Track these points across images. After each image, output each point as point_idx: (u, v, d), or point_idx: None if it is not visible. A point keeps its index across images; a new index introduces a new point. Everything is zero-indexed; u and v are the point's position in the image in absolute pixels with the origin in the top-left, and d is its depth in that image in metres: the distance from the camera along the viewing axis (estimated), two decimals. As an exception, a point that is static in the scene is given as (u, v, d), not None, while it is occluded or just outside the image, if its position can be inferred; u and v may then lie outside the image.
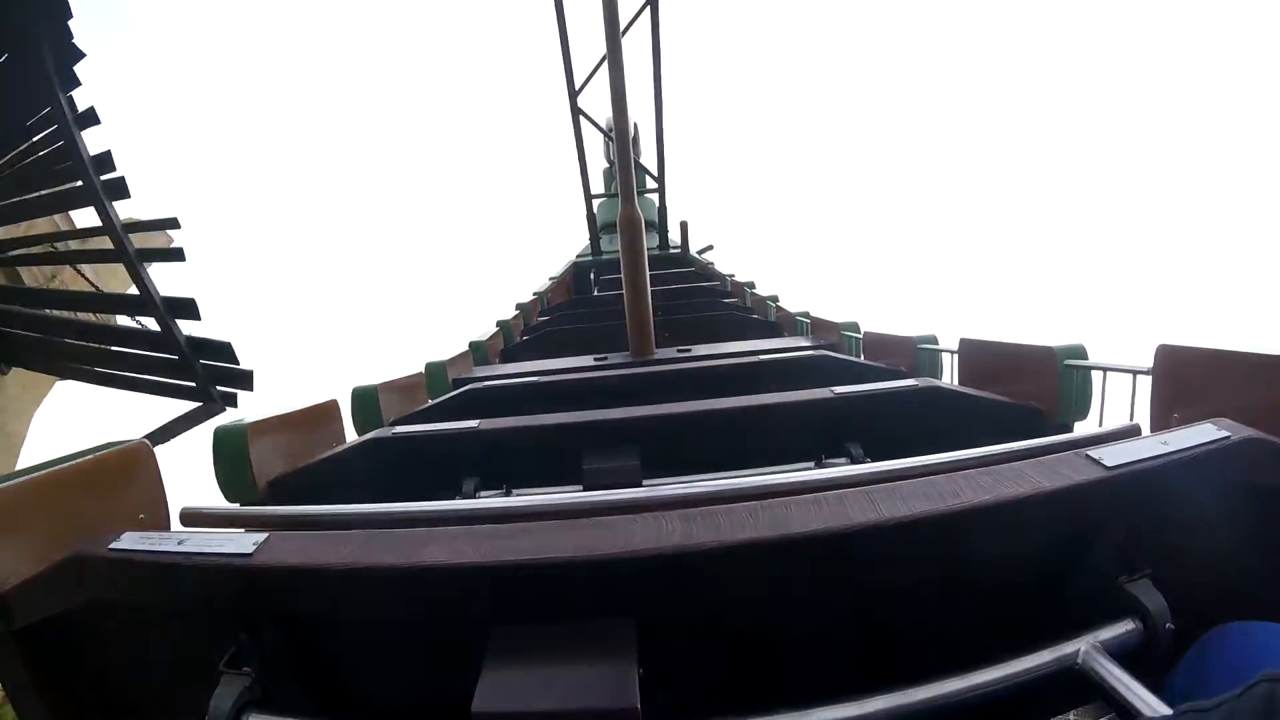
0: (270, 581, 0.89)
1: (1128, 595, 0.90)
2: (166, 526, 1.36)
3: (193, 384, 5.97)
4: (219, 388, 6.03)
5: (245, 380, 6.05)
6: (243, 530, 1.30)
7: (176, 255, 5.81)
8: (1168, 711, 0.75)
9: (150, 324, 5.76)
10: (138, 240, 5.56)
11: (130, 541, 0.97)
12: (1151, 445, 0.97)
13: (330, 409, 2.21)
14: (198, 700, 0.89)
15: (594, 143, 10.96)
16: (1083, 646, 0.86)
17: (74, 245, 6.41)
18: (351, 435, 2.28)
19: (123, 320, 6.34)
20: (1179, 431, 1.00)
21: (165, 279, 5.69)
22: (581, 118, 9.24)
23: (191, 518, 1.46)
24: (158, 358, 5.91)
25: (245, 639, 0.92)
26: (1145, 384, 1.53)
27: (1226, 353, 1.38)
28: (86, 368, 6.25)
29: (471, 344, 4.12)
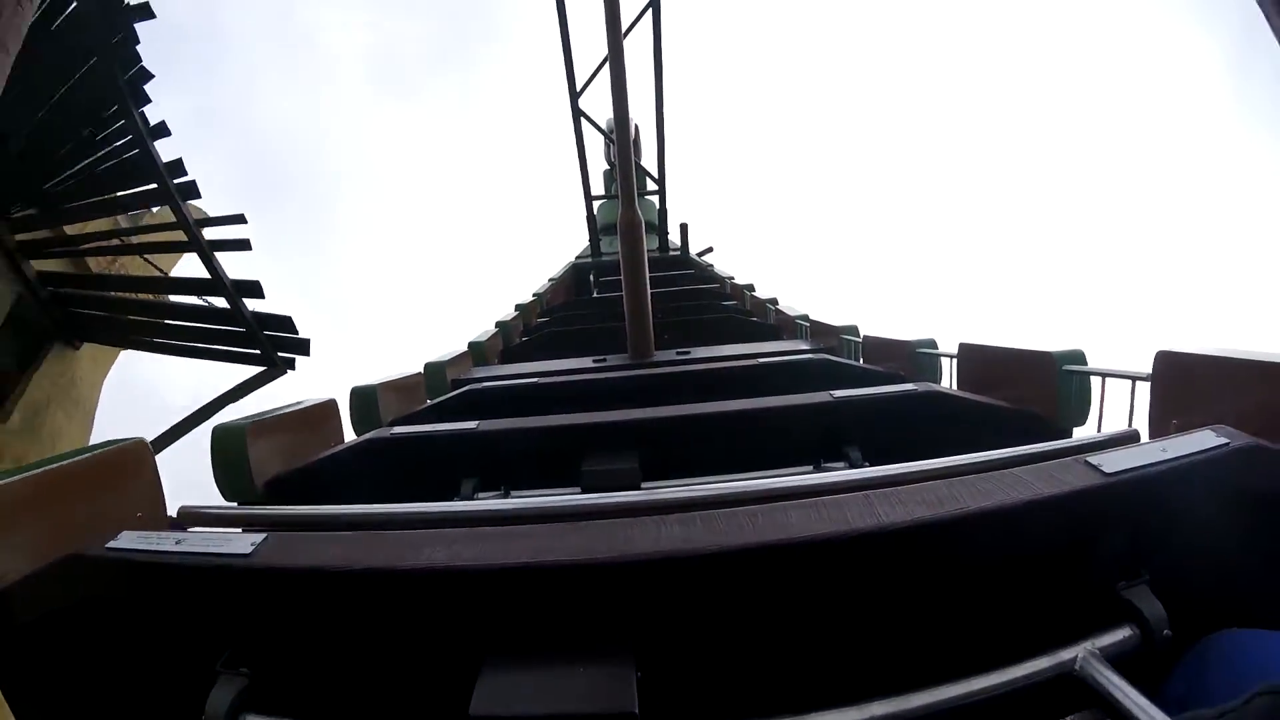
0: (268, 582, 0.88)
1: (1125, 602, 0.90)
2: (164, 525, 1.36)
3: (258, 352, 7.16)
4: (281, 354, 7.24)
5: (303, 347, 7.27)
6: (240, 530, 1.29)
7: (244, 245, 6.78)
8: (1164, 718, 0.75)
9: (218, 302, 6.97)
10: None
11: (128, 541, 0.97)
12: (1151, 452, 0.97)
13: (329, 409, 2.21)
14: (195, 700, 0.88)
15: (595, 144, 10.98)
16: (1080, 653, 0.86)
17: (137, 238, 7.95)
18: (350, 435, 2.27)
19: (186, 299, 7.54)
20: (1178, 439, 1.00)
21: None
22: (582, 119, 9.25)
23: (189, 517, 1.45)
24: (227, 331, 7.12)
25: (242, 640, 0.92)
26: (1144, 389, 1.53)
27: (1225, 358, 1.38)
28: (162, 340, 7.70)
29: (471, 345, 4.12)
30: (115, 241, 7.69)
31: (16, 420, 7.81)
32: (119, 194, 6.73)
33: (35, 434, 7.93)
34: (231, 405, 7.57)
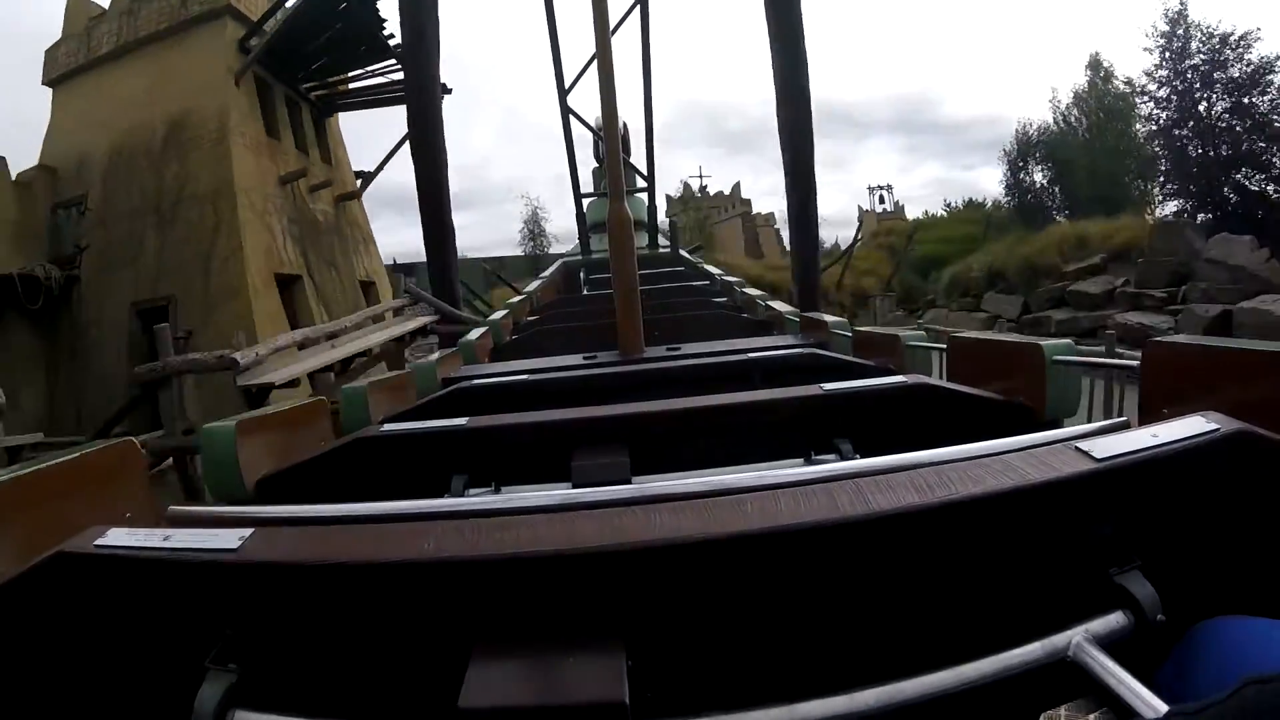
0: (255, 577, 0.88)
1: (1118, 587, 0.90)
2: (152, 525, 1.35)
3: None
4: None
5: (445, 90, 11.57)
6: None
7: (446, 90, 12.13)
8: (1158, 703, 0.75)
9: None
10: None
11: (116, 538, 0.96)
12: (1141, 438, 0.97)
13: (318, 408, 2.20)
14: (184, 697, 0.88)
15: (583, 142, 11.01)
16: (1073, 638, 0.86)
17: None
18: (340, 434, 2.27)
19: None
20: (1168, 424, 1.01)
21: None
22: (571, 117, 9.25)
23: (178, 518, 1.44)
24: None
25: (231, 635, 0.92)
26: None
27: (1214, 347, 1.38)
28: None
29: (460, 343, 4.11)
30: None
31: (333, 160, 16.72)
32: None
33: (339, 162, 17.24)
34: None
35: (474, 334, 4.33)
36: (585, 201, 10.15)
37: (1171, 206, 19.62)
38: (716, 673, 0.95)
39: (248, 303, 11.59)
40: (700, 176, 48.07)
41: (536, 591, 0.84)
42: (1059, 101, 25.89)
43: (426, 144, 10.53)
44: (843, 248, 29.66)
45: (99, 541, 0.96)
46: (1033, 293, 17.40)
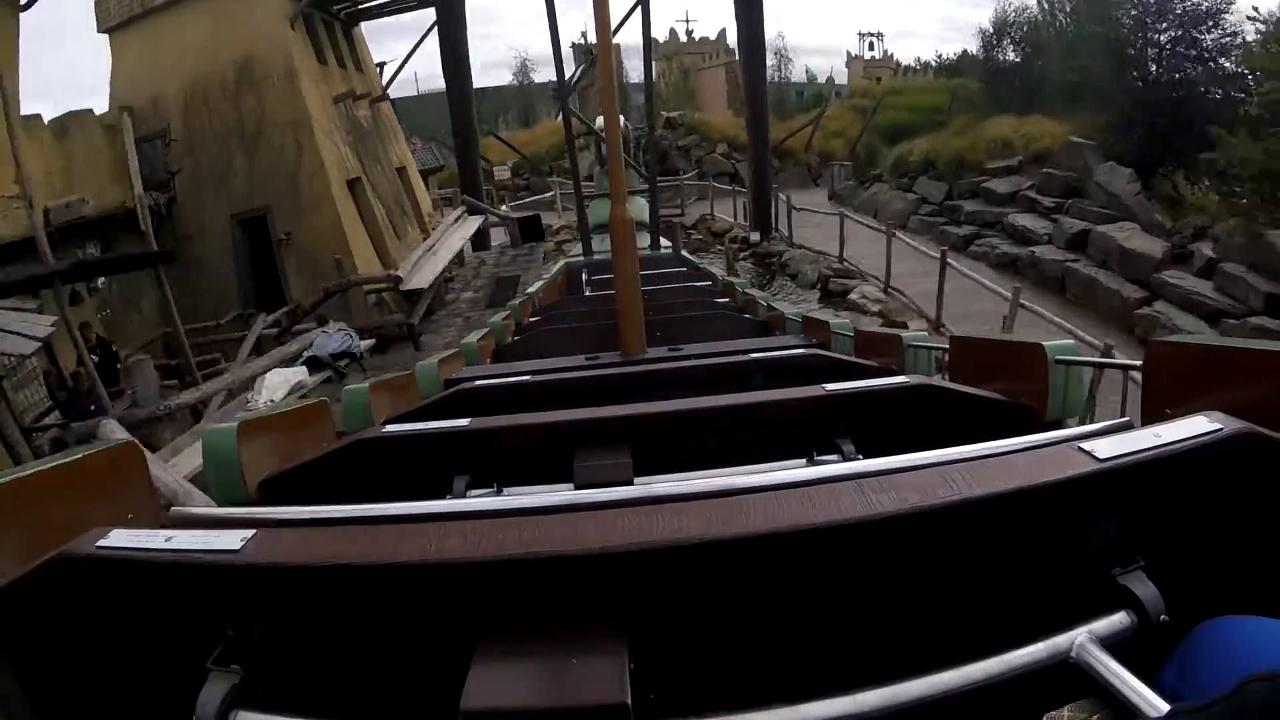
0: (257, 578, 0.88)
1: (1121, 587, 0.90)
2: (154, 526, 1.35)
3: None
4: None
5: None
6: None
7: None
8: (1161, 703, 0.75)
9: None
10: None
11: (118, 539, 0.96)
12: (1144, 438, 0.97)
13: (320, 410, 2.20)
14: (186, 698, 0.88)
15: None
16: (1077, 639, 0.86)
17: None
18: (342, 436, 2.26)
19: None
20: (1172, 424, 1.00)
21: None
22: (572, 117, 9.26)
23: (180, 520, 1.44)
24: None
25: (233, 636, 0.92)
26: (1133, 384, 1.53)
27: (1217, 347, 1.38)
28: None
29: (463, 344, 4.11)
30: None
31: (364, 71, 18.88)
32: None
33: (368, 67, 19.00)
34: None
35: (475, 335, 4.33)
36: (587, 203, 10.17)
37: (1110, 117, 19.91)
38: (719, 674, 0.95)
39: (334, 207, 14.75)
40: (687, 21, 47.44)
41: (538, 593, 0.84)
42: None
43: (456, 69, 15.43)
44: (833, 88, 29.88)
45: (101, 543, 0.96)
46: (957, 182, 19.09)
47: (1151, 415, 1.43)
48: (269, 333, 12.03)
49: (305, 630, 0.95)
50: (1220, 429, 0.98)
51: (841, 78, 41.57)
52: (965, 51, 32.52)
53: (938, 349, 2.59)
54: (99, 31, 16.02)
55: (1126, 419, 1.51)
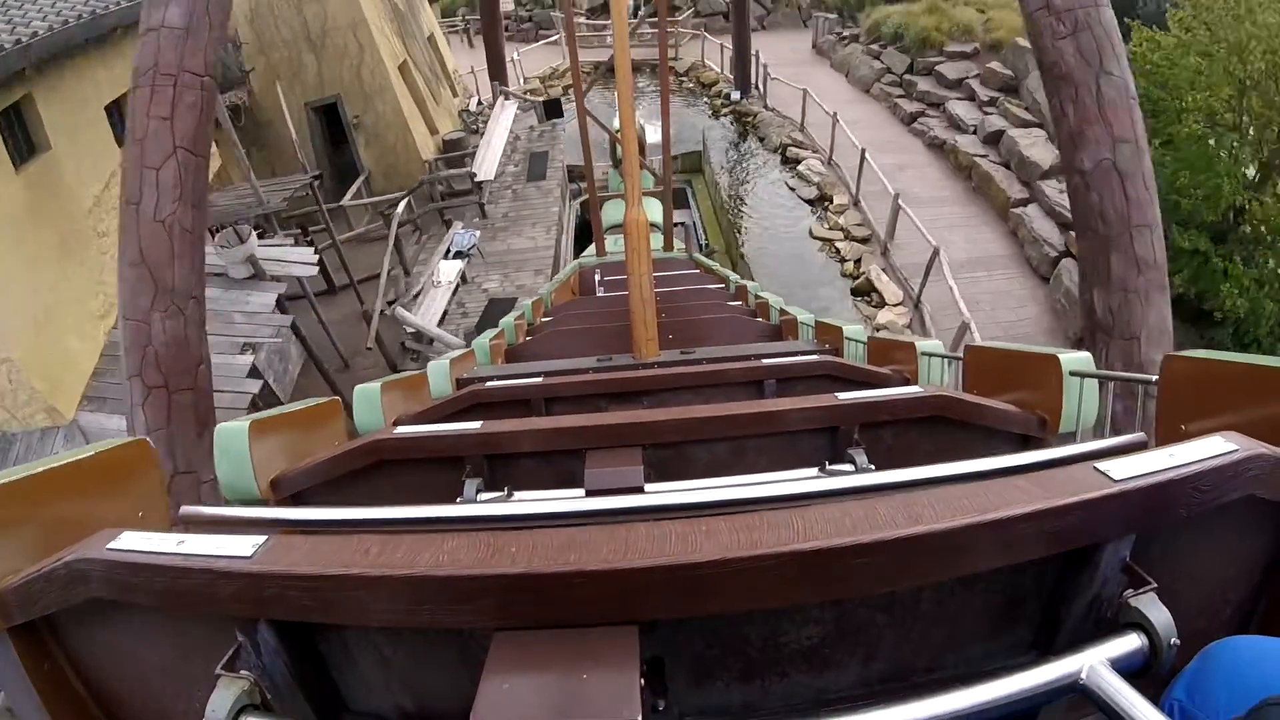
0: (268, 585, 0.87)
1: (1133, 610, 0.89)
2: (165, 524, 1.35)
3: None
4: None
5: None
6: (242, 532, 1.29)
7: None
8: None
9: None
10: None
11: (129, 542, 0.96)
12: (1159, 459, 0.95)
13: (332, 408, 2.21)
14: (196, 703, 0.88)
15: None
16: (1087, 662, 0.85)
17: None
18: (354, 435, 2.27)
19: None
20: (1187, 445, 0.99)
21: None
22: (588, 119, 9.27)
23: (191, 519, 1.45)
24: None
25: (243, 642, 0.92)
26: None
27: (1233, 364, 1.36)
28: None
29: (475, 344, 4.12)
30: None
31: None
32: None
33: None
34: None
35: (487, 335, 4.33)
36: (601, 204, 10.17)
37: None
38: (729, 687, 0.94)
39: (393, 93, 16.89)
40: None
41: (549, 607, 0.84)
42: None
43: None
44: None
45: (112, 545, 0.96)
46: (918, 58, 19.64)
47: (1165, 430, 1.42)
48: (361, 204, 15.69)
49: (315, 637, 0.95)
50: (1235, 450, 0.96)
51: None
52: None
53: (952, 358, 2.57)
54: None
55: (1141, 435, 1.49)
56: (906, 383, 2.37)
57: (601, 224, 9.93)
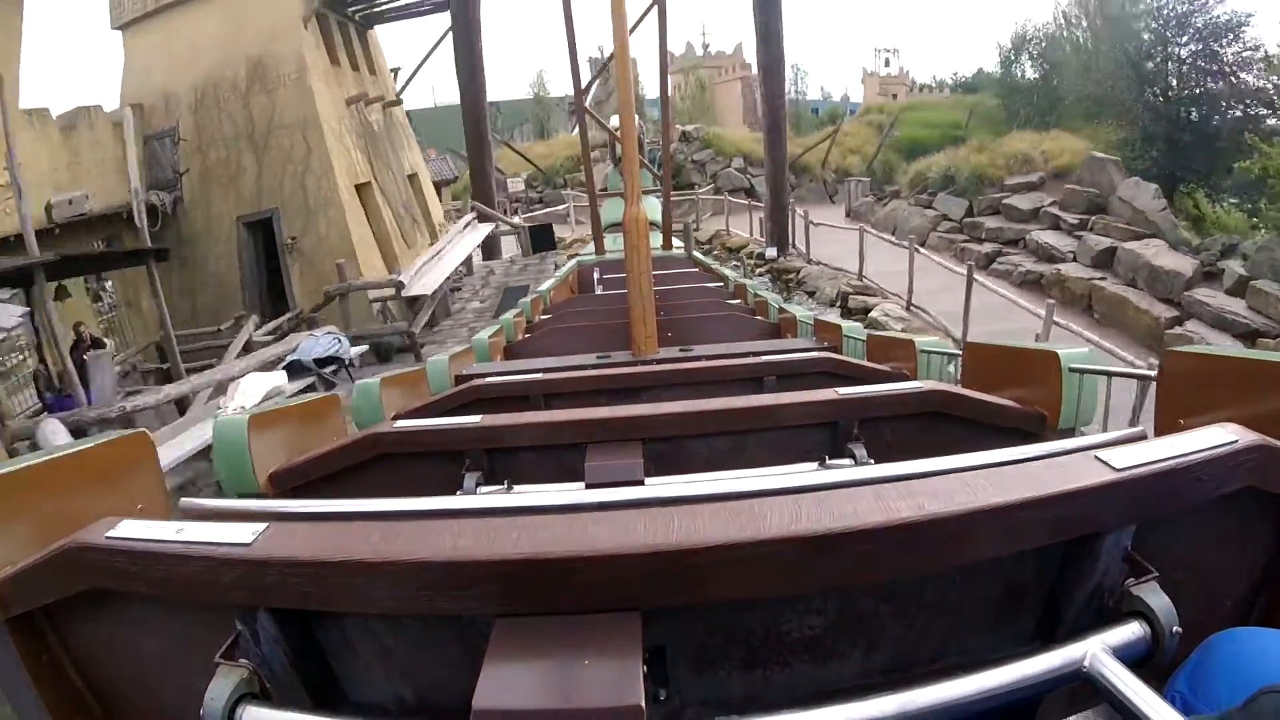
0: (268, 572, 0.87)
1: (1135, 598, 0.89)
2: (164, 517, 1.35)
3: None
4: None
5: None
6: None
7: None
8: (1175, 715, 0.74)
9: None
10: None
11: (128, 530, 0.96)
12: (1160, 448, 0.96)
13: (331, 403, 2.21)
14: (194, 692, 0.88)
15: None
16: (1090, 650, 0.85)
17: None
18: (353, 430, 2.27)
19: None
20: (1187, 435, 0.99)
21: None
22: (588, 118, 9.27)
23: (190, 511, 1.45)
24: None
25: (242, 630, 0.91)
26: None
27: (1233, 358, 1.36)
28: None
29: (474, 340, 4.11)
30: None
31: (376, 75, 18.20)
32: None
33: (381, 70, 18.67)
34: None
35: (486, 332, 4.33)
36: (600, 202, 10.17)
37: (1130, 132, 19.96)
38: (731, 676, 0.94)
39: (341, 211, 14.38)
40: (704, 35, 47.26)
41: (551, 593, 0.84)
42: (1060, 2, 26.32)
43: (470, 74, 14.80)
44: (849, 104, 29.61)
45: (111, 533, 0.96)
46: (977, 198, 18.96)
47: (1165, 425, 1.42)
48: (265, 340, 11.25)
49: (315, 626, 0.95)
50: (1235, 440, 0.97)
51: (857, 95, 41.14)
52: (981, 70, 32.70)
53: (951, 355, 2.58)
54: (113, 28, 15.89)
55: (1140, 429, 1.49)
56: (905, 379, 2.37)
57: (601, 222, 9.93)
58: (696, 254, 10.19)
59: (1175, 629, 0.87)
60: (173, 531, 0.94)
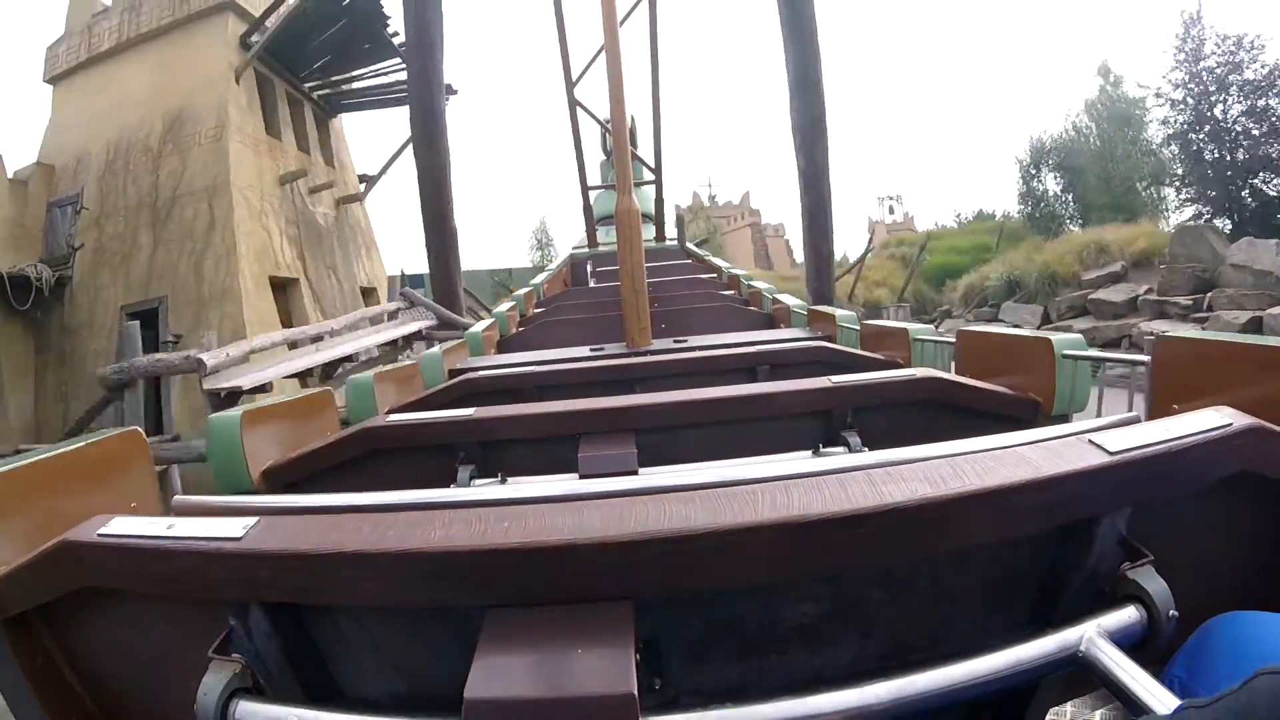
0: (260, 566, 0.87)
1: (1131, 582, 0.89)
2: (158, 515, 1.35)
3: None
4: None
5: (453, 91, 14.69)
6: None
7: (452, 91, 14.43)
8: (1171, 699, 0.74)
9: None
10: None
11: (120, 527, 0.95)
12: (1154, 431, 0.96)
13: (324, 398, 2.20)
14: (188, 687, 0.87)
15: (591, 134, 11.00)
16: (1086, 634, 0.85)
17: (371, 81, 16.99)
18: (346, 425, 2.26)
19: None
20: (1181, 419, 0.99)
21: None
22: (579, 109, 9.24)
23: (184, 509, 1.44)
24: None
25: (235, 625, 0.91)
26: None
27: (1224, 343, 1.37)
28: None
29: (468, 334, 4.10)
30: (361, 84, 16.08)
31: (335, 163, 16.12)
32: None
33: (343, 164, 16.67)
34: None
35: (480, 325, 4.33)
36: (593, 194, 10.15)
37: (1188, 212, 19.80)
38: (725, 664, 0.94)
39: (239, 304, 11.03)
40: (709, 186, 48.12)
41: (543, 582, 0.84)
42: (1070, 111, 25.97)
43: (429, 142, 10.34)
44: (851, 259, 29.10)
45: (103, 530, 0.95)
46: (1052, 301, 16.88)
47: (1158, 411, 1.43)
48: None
49: (307, 619, 0.95)
50: (1230, 424, 0.97)
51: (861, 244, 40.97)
52: (980, 211, 32.53)
53: (945, 343, 2.58)
54: (44, 81, 13.82)
55: (1135, 414, 1.50)
56: (899, 367, 2.37)
57: (593, 214, 9.91)
58: (690, 245, 10.18)
59: (1171, 613, 0.87)
60: (164, 528, 0.93)
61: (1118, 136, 23.10)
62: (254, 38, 12.87)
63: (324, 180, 15.00)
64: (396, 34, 13.80)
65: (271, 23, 12.91)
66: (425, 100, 10.40)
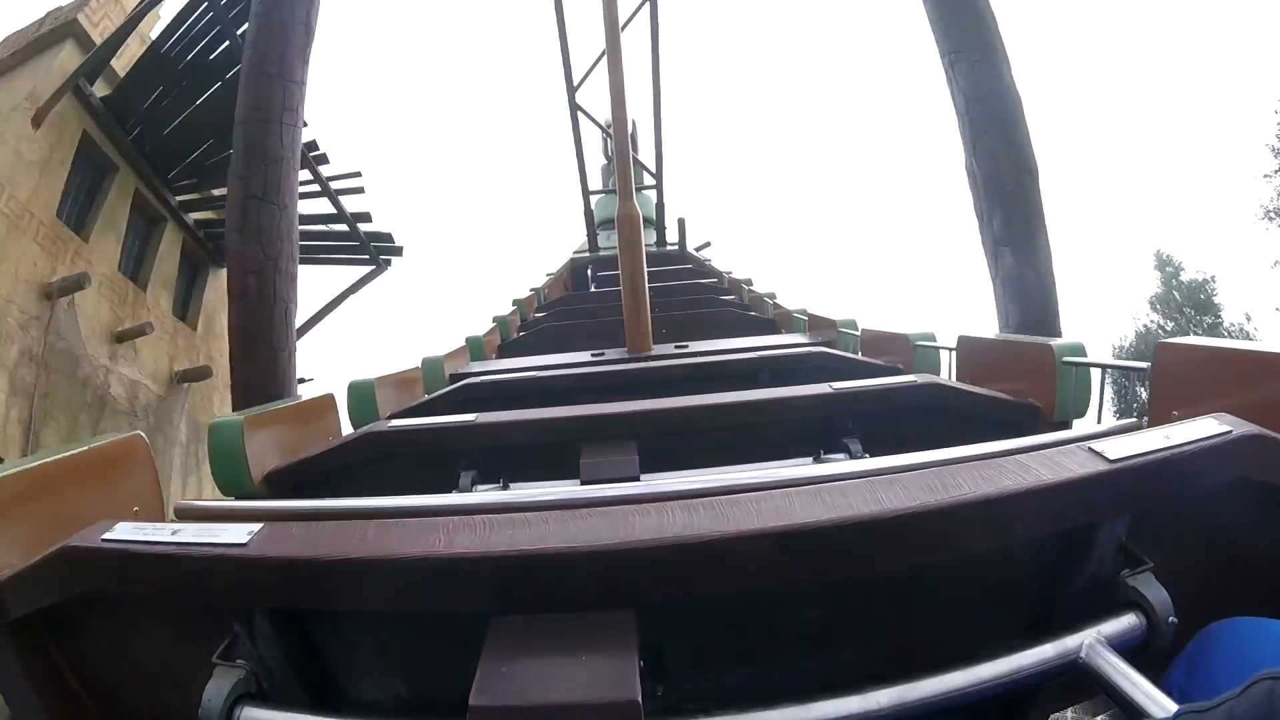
0: (264, 572, 0.87)
1: (1130, 589, 0.90)
2: (160, 519, 1.35)
3: (366, 256, 11.35)
4: (383, 256, 11.45)
5: (398, 251, 11.61)
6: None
7: (360, 190, 10.68)
8: (1171, 706, 0.74)
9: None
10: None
11: (123, 532, 0.96)
12: (1154, 439, 0.96)
13: (326, 403, 2.20)
14: (192, 693, 0.88)
15: (592, 139, 11.00)
16: (1085, 641, 0.85)
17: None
18: (348, 429, 2.27)
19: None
20: (1181, 425, 1.00)
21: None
22: (580, 114, 9.25)
23: (186, 513, 1.44)
24: (345, 245, 11.26)
25: (239, 631, 0.91)
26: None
27: (1225, 349, 1.37)
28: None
29: (468, 339, 4.11)
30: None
31: (201, 327, 11.23)
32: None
33: (216, 334, 10.90)
34: (345, 303, 11.37)
35: (482, 330, 4.33)
36: (593, 198, 10.15)
37: None
38: (728, 671, 0.94)
39: None
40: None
41: (548, 589, 0.84)
42: (1137, 314, 25.90)
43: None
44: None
45: (106, 536, 0.95)
46: None
47: (1158, 417, 1.43)
48: None
49: (312, 625, 0.95)
50: (1230, 431, 0.97)
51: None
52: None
53: (945, 349, 2.58)
54: None
55: (1134, 420, 1.50)
56: (900, 373, 2.37)
57: (594, 218, 9.91)
58: (691, 250, 10.18)
59: (1171, 619, 0.87)
60: (168, 533, 0.94)
61: (1196, 322, 23.15)
62: (93, 87, 8.64)
63: (157, 331, 9.63)
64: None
65: (121, 67, 8.86)
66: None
